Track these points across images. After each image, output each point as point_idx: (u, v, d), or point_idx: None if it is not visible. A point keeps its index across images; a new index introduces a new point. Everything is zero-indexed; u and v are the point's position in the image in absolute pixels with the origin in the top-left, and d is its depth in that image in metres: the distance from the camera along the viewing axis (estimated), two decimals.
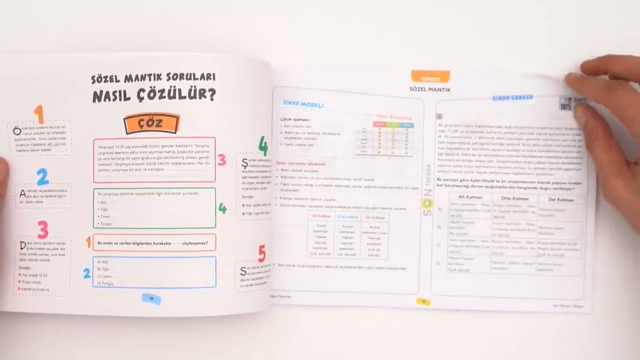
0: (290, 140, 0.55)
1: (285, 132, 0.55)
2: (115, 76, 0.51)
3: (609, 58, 0.51)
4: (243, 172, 0.51)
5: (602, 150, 0.51)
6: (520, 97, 0.54)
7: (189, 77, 0.50)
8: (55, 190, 0.52)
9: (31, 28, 0.55)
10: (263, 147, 0.52)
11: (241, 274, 0.51)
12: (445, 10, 0.55)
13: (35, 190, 0.53)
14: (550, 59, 0.54)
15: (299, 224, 0.55)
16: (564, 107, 0.54)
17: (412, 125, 0.55)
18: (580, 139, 0.54)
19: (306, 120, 0.55)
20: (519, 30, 0.54)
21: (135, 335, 0.55)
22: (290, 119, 0.55)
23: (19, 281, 0.53)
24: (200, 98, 0.50)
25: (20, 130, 0.53)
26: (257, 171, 0.52)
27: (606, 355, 0.55)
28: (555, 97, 0.54)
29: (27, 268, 0.53)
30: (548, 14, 0.54)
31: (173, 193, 0.51)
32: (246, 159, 0.51)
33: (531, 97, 0.54)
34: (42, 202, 0.53)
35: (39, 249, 0.53)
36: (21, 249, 0.53)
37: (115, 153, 0.51)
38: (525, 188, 0.54)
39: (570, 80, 0.53)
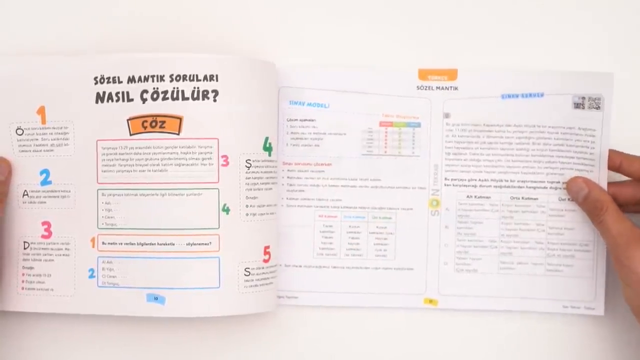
0: (297, 141, 0.54)
1: (292, 132, 0.54)
2: (118, 77, 0.51)
3: (626, 158, 0.52)
4: (247, 173, 0.51)
5: (615, 220, 0.49)
6: (530, 95, 0.53)
7: (192, 78, 0.50)
8: (59, 191, 0.53)
9: (34, 30, 0.55)
10: (267, 148, 0.52)
11: (245, 275, 0.51)
12: (452, 8, 0.54)
13: (39, 191, 0.53)
14: (562, 55, 0.53)
15: (305, 224, 0.55)
16: (577, 105, 0.52)
17: (419, 125, 0.54)
18: (594, 140, 0.52)
19: (312, 120, 0.54)
20: (529, 27, 0.54)
21: (139, 335, 0.55)
22: (296, 120, 0.54)
23: (23, 281, 0.53)
24: (203, 99, 0.50)
25: (23, 131, 0.53)
26: (262, 172, 0.52)
27: (617, 358, 0.54)
28: (568, 96, 0.52)
29: (31, 268, 0.53)
30: (559, 9, 0.53)
31: (177, 194, 0.51)
32: (250, 160, 0.51)
33: (542, 95, 0.53)
34: (45, 202, 0.53)
35: (42, 249, 0.53)
36: (24, 248, 0.53)
37: (119, 154, 0.51)
38: (534, 188, 0.53)
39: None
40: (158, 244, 0.51)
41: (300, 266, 0.55)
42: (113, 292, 0.52)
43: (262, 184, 0.52)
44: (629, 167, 0.51)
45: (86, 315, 0.53)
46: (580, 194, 0.51)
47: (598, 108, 0.52)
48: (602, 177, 0.52)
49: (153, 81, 0.50)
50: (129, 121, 0.51)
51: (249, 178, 0.51)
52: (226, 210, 0.51)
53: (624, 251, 0.48)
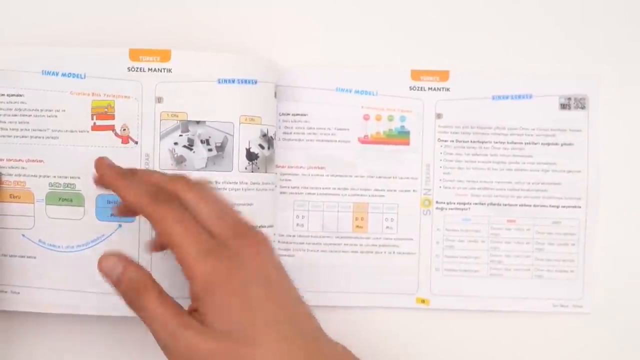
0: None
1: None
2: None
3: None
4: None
5: (159, 303, 0.39)
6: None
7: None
8: None
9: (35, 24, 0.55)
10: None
11: None
12: (444, 9, 0.55)
13: None
14: (550, 58, 0.55)
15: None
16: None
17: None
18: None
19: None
20: (519, 30, 0.55)
21: (126, 335, 0.54)
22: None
23: None
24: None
25: None
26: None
27: (605, 355, 0.55)
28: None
29: None
30: (547, 13, 0.55)
31: None
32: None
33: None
34: None
35: None
36: None
37: None
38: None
39: (101, 169, 0.45)
40: None
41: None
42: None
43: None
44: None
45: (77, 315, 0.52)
46: (114, 274, 0.40)
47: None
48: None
49: None
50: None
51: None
52: None
53: (171, 341, 0.38)
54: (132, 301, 0.40)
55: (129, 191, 0.41)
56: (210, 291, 0.38)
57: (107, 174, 0.44)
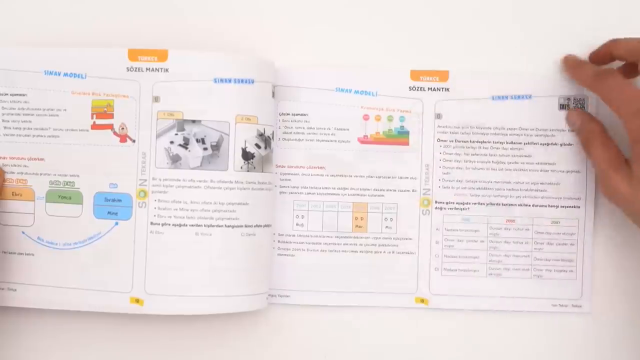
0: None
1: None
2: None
3: (613, 42, 0.52)
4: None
5: (600, 149, 0.51)
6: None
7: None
8: None
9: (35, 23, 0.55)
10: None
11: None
12: (444, 10, 0.55)
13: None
14: (549, 59, 0.55)
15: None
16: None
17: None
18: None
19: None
20: (518, 30, 0.55)
21: (125, 332, 0.54)
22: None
23: None
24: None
25: None
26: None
27: (605, 355, 0.55)
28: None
29: None
30: (547, 13, 0.55)
31: None
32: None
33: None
34: None
35: None
36: None
37: None
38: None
39: (567, 63, 0.54)
40: None
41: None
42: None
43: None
44: (617, 51, 0.52)
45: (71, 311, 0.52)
46: (574, 126, 0.54)
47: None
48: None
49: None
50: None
51: None
52: None
53: (603, 178, 0.51)
54: (585, 146, 0.53)
55: (579, 74, 0.53)
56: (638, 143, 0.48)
57: (567, 63, 0.54)
